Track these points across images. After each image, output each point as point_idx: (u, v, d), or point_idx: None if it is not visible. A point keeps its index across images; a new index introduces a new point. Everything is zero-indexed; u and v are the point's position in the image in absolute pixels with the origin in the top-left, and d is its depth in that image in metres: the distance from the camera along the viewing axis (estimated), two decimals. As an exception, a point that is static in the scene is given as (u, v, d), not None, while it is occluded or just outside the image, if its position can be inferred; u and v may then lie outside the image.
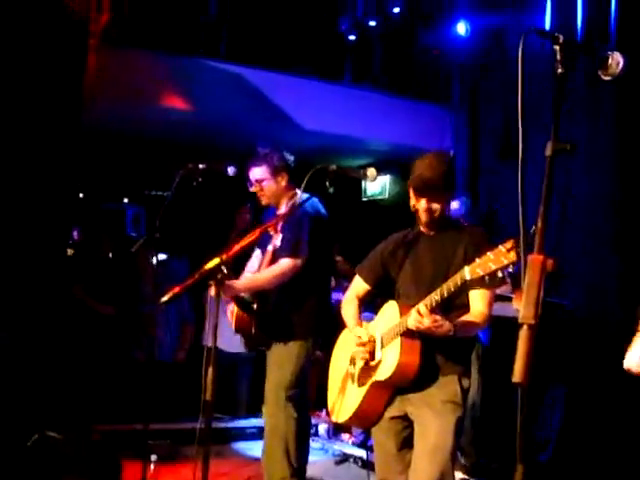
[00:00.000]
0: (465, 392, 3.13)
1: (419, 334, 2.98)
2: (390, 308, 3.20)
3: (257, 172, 4.37)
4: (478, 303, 3.06)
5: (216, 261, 3.01)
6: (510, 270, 2.59)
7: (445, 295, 2.84)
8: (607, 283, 5.66)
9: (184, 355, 6.77)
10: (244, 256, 4.35)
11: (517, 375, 1.49)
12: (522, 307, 1.55)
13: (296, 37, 7.18)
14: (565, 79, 1.86)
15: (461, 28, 6.83)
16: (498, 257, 2.58)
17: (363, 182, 8.30)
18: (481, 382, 5.08)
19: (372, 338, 3.22)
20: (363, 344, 3.21)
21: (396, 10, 6.67)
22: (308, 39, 7.26)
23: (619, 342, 2.99)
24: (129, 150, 7.71)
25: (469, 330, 3.07)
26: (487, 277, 2.63)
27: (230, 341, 5.23)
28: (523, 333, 1.52)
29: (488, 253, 2.61)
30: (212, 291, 3.84)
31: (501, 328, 4.92)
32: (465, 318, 3.04)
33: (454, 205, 5.70)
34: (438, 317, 2.87)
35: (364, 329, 3.29)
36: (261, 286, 4.29)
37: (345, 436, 6.05)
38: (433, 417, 3.05)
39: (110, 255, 7.05)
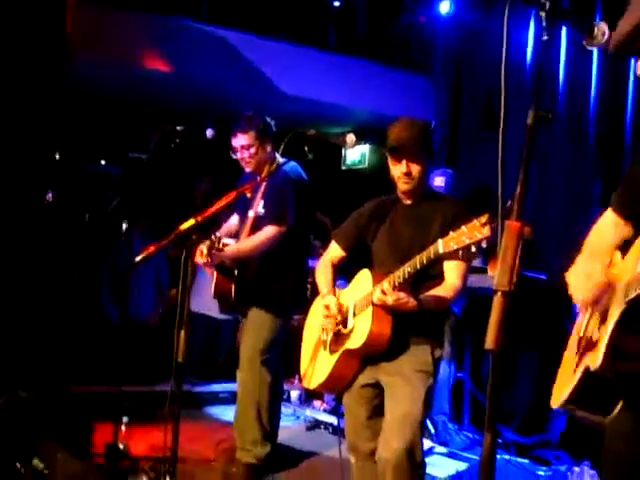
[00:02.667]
0: (437, 362, 3.14)
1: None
2: (363, 277, 3.19)
3: (244, 138, 4.31)
4: (451, 274, 3.06)
5: (191, 222, 2.98)
6: (483, 245, 2.57)
7: (418, 268, 2.84)
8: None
9: (157, 319, 6.77)
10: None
11: (489, 342, 1.48)
12: (497, 274, 1.54)
13: (280, 1, 7.08)
14: (549, 46, 1.84)
15: (444, 7, 6.78)
16: (472, 231, 2.56)
17: (343, 150, 8.27)
18: (453, 354, 5.11)
19: (344, 308, 3.23)
20: (330, 316, 3.22)
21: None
22: (292, 4, 7.16)
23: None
24: (108, 111, 7.61)
25: (437, 304, 3.06)
26: (461, 251, 2.62)
27: (208, 304, 5.24)
28: (497, 300, 1.52)
29: (462, 227, 2.59)
30: (197, 258, 3.83)
31: (476, 300, 4.97)
32: (433, 292, 3.03)
33: (438, 182, 5.69)
34: (402, 294, 2.88)
35: (335, 298, 3.28)
36: (247, 253, 4.27)
37: (317, 403, 6.09)
38: (404, 385, 3.07)
39: (86, 217, 6.99)
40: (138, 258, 2.96)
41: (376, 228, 3.30)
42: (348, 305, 3.22)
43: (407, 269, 2.87)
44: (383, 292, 2.89)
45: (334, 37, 7.37)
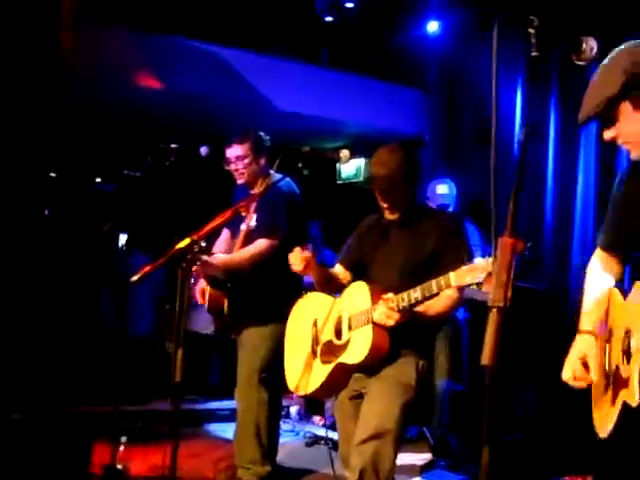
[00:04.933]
0: (421, 375, 3.14)
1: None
2: (360, 290, 3.19)
3: (239, 149, 4.34)
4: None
5: (187, 241, 2.99)
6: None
7: (427, 296, 2.87)
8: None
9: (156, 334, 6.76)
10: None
11: (485, 358, 1.49)
12: (492, 290, 1.55)
13: (273, 17, 7.11)
14: (538, 62, 1.85)
15: (432, 26, 6.82)
16: (485, 269, 2.61)
17: (338, 165, 8.28)
18: (449, 367, 5.11)
19: (337, 317, 3.24)
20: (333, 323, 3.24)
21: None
22: (285, 19, 7.19)
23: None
24: (102, 129, 7.62)
25: (434, 317, 3.09)
26: (473, 285, 2.68)
27: (200, 322, 5.23)
28: (492, 316, 1.52)
29: (476, 262, 2.66)
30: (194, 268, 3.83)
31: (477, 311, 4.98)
32: (431, 305, 3.03)
33: (443, 189, 5.71)
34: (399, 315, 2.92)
35: (332, 305, 3.30)
36: (238, 265, 4.27)
37: (316, 418, 6.07)
38: (381, 399, 3.07)
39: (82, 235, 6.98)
40: (134, 278, 2.97)
41: (373, 247, 3.35)
42: (342, 316, 3.22)
43: (415, 295, 2.88)
44: (386, 314, 2.92)
45: (327, 52, 7.39)
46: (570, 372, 2.29)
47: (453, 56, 7.13)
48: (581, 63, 1.95)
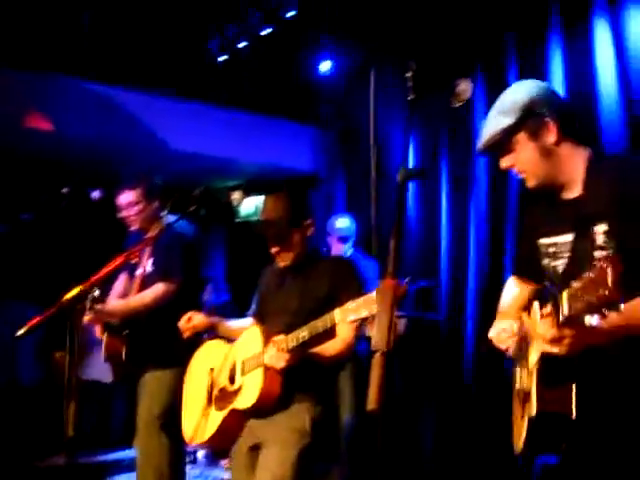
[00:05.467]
0: (317, 420, 3.10)
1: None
2: (253, 335, 3.17)
3: (130, 195, 4.27)
4: (343, 328, 3.04)
5: (77, 290, 2.90)
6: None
7: (313, 335, 2.87)
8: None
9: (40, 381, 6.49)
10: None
11: (371, 402, 1.49)
12: (374, 334, 1.56)
13: (165, 57, 7.08)
14: (416, 105, 1.91)
15: (325, 66, 6.94)
16: (369, 304, 2.64)
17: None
18: (355, 403, 5.11)
19: (231, 363, 3.21)
20: (226, 369, 3.21)
21: (265, 32, 6.70)
22: (177, 58, 7.17)
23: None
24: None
25: (328, 360, 3.08)
26: (358, 322, 2.72)
27: (97, 370, 5.08)
28: (376, 360, 1.52)
29: (361, 298, 2.67)
30: (86, 318, 3.73)
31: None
32: (324, 348, 3.03)
33: (343, 222, 5.75)
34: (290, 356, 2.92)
35: (228, 350, 3.28)
36: (135, 311, 4.19)
37: (224, 462, 5.96)
38: (275, 447, 3.04)
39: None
40: (20, 332, 2.85)
41: (268, 292, 3.38)
42: (236, 361, 3.20)
43: (302, 334, 2.89)
44: (275, 356, 2.91)
45: (221, 91, 7.39)
46: (495, 333, 2.46)
47: (346, 93, 7.26)
48: (457, 105, 2.04)
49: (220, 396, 3.23)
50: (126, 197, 4.28)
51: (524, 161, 2.25)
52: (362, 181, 6.77)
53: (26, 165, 7.11)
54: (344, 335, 3.05)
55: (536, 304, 2.14)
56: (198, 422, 3.29)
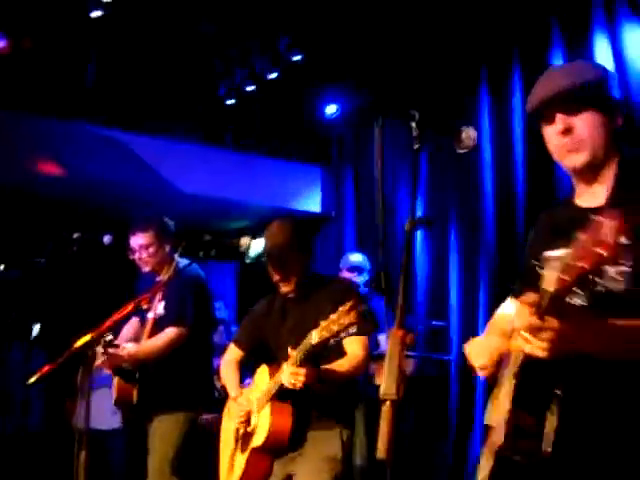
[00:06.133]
0: (347, 446, 3.10)
1: (290, 395, 2.98)
2: (262, 373, 3.24)
3: (143, 238, 4.27)
4: (352, 347, 3.08)
5: (87, 338, 2.91)
6: (351, 330, 2.72)
7: (303, 358, 2.87)
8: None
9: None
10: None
11: (381, 451, 1.49)
12: (383, 383, 1.56)
13: (174, 100, 7.17)
14: (420, 154, 1.93)
15: (331, 109, 7.02)
16: (339, 319, 2.69)
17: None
18: (367, 444, 5.08)
19: (249, 406, 3.22)
20: (243, 413, 3.22)
21: (272, 76, 6.80)
22: (186, 102, 7.27)
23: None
24: (3, 215, 7.44)
25: (341, 375, 3.04)
26: (332, 339, 2.74)
27: (102, 418, 5.06)
28: (385, 409, 1.53)
29: (331, 315, 2.72)
30: (98, 363, 3.72)
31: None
32: (336, 364, 3.03)
33: (356, 257, 5.76)
34: (302, 370, 2.87)
35: (243, 396, 3.29)
36: (148, 356, 4.17)
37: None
38: (309, 477, 3.03)
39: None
40: (32, 380, 2.86)
41: (271, 324, 3.36)
42: (252, 402, 3.22)
43: (308, 341, 2.87)
44: (291, 374, 2.87)
45: (230, 134, 7.48)
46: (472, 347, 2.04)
47: (355, 134, 7.34)
48: (462, 151, 2.01)
49: (243, 439, 3.24)
50: (138, 239, 4.28)
51: (588, 128, 1.91)
52: (372, 221, 6.79)
53: (37, 209, 7.19)
54: (354, 352, 3.05)
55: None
56: (228, 468, 3.31)
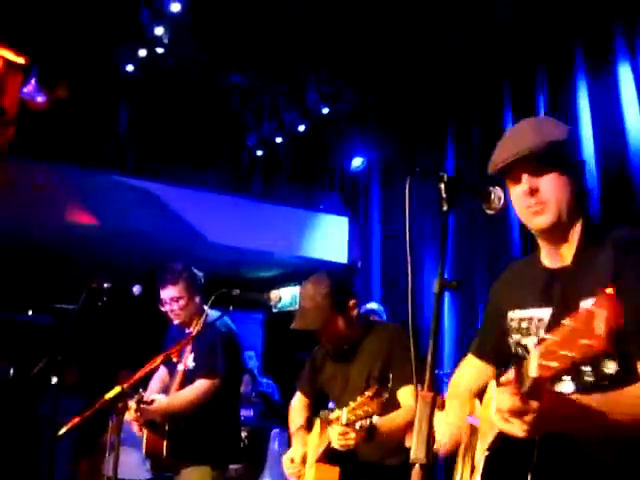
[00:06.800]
0: None
1: (341, 457, 2.88)
2: (316, 425, 3.13)
3: (174, 290, 4.27)
4: (406, 398, 2.93)
5: (117, 390, 2.93)
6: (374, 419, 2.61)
7: (364, 400, 2.68)
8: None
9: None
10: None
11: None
12: (413, 446, 1.54)
13: (203, 152, 7.30)
14: (449, 215, 1.94)
15: (356, 162, 7.10)
16: (362, 405, 2.61)
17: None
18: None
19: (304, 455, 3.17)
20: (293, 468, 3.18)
21: (301, 128, 6.92)
22: (216, 153, 7.39)
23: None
24: (34, 262, 7.56)
25: (397, 429, 2.88)
26: (358, 421, 2.63)
27: (131, 469, 5.05)
28: (415, 473, 1.51)
29: (358, 398, 2.62)
30: (127, 415, 3.72)
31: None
32: (390, 416, 2.87)
33: (373, 305, 5.76)
34: (349, 430, 2.72)
35: (299, 448, 3.23)
36: (179, 408, 4.15)
37: None
38: None
39: (11, 373, 6.77)
40: (62, 431, 2.88)
41: (326, 374, 3.30)
42: (308, 454, 3.16)
43: (351, 403, 2.72)
44: (338, 436, 2.76)
45: (258, 185, 7.58)
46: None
47: (382, 186, 7.40)
48: (491, 212, 1.98)
49: None
50: (169, 292, 4.28)
51: (554, 189, 1.90)
52: (398, 274, 6.82)
53: (68, 258, 7.30)
54: (408, 402, 2.89)
55: (493, 383, 1.81)
56: None
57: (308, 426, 3.31)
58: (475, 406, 2.03)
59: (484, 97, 6.41)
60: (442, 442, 1.99)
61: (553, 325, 1.70)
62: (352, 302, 3.13)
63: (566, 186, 1.90)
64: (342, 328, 3.10)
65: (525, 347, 1.93)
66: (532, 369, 1.42)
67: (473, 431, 1.96)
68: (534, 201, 1.90)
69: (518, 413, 1.52)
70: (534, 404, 1.51)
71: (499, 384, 1.64)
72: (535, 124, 2.00)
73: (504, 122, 6.16)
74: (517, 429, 1.55)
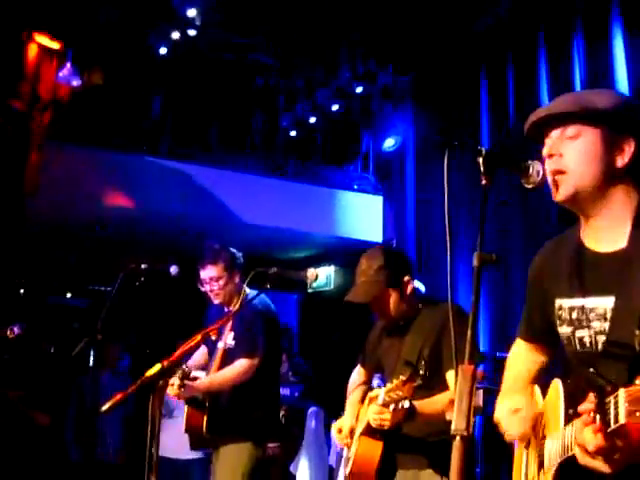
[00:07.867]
0: None
1: (386, 432, 2.87)
2: (368, 397, 3.09)
3: (213, 270, 4.30)
4: (452, 381, 2.83)
5: (157, 367, 2.96)
6: (406, 405, 2.62)
7: (405, 381, 2.68)
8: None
9: (124, 457, 6.52)
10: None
11: (454, 487, 1.48)
12: (454, 418, 1.53)
13: (239, 133, 7.32)
14: (489, 189, 1.91)
15: (390, 142, 7.06)
16: (396, 389, 2.62)
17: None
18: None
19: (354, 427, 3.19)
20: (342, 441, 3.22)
21: (335, 108, 6.90)
22: (249, 134, 7.40)
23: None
24: (72, 245, 7.66)
25: (438, 411, 2.83)
26: (392, 405, 2.63)
27: (177, 447, 5.12)
28: (456, 445, 1.51)
29: (394, 380, 2.63)
30: (170, 390, 3.78)
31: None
32: (432, 399, 2.86)
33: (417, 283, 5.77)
34: (386, 411, 2.71)
35: (347, 419, 3.26)
36: (220, 387, 4.21)
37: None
38: None
39: (52, 350, 6.87)
40: (105, 407, 2.91)
41: (382, 349, 3.28)
42: (355, 425, 3.20)
43: (390, 384, 2.74)
44: (375, 415, 2.76)
45: (292, 165, 7.58)
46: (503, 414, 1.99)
47: (416, 164, 7.36)
48: (529, 186, 1.94)
49: (346, 462, 3.22)
50: (209, 272, 4.31)
51: (577, 158, 1.76)
52: (432, 250, 6.80)
53: (106, 240, 7.39)
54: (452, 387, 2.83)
55: (558, 384, 1.78)
56: None
57: (363, 399, 3.30)
58: (534, 392, 2.00)
59: (518, 68, 6.33)
60: (516, 436, 1.97)
61: (617, 317, 1.69)
62: (406, 278, 3.08)
63: (598, 158, 1.74)
64: (395, 303, 3.06)
65: (581, 341, 1.82)
66: (621, 415, 1.36)
67: (539, 421, 1.92)
68: (553, 167, 1.79)
69: (605, 452, 1.46)
70: (621, 443, 1.44)
71: (575, 412, 1.56)
72: (579, 93, 1.93)
73: (539, 94, 6.08)
74: (602, 466, 1.50)
